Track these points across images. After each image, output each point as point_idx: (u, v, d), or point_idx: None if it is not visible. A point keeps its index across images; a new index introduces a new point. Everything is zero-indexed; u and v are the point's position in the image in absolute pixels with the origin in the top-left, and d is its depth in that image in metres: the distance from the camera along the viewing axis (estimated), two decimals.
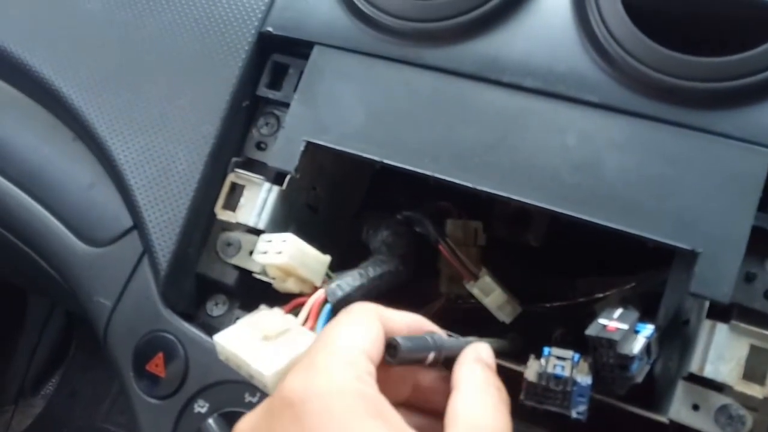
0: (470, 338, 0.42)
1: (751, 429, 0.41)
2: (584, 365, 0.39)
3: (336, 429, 0.29)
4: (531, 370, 0.39)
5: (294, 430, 0.30)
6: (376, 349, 0.34)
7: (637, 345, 0.39)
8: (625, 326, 0.40)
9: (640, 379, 0.40)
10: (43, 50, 0.57)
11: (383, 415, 0.30)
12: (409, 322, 0.37)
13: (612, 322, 0.40)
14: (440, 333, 0.38)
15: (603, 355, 0.39)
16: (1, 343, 1.07)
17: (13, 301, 1.06)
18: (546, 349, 0.40)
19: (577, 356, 0.39)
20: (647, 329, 0.40)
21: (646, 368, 0.40)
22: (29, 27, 0.58)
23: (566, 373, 0.38)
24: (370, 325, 0.34)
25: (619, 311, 0.42)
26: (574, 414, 0.37)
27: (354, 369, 0.31)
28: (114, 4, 0.56)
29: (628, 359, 0.38)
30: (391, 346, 0.37)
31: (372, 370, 0.32)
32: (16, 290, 1.02)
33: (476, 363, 0.36)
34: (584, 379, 0.38)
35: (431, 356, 0.37)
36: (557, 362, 0.39)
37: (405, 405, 0.37)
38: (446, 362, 0.37)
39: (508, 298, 0.53)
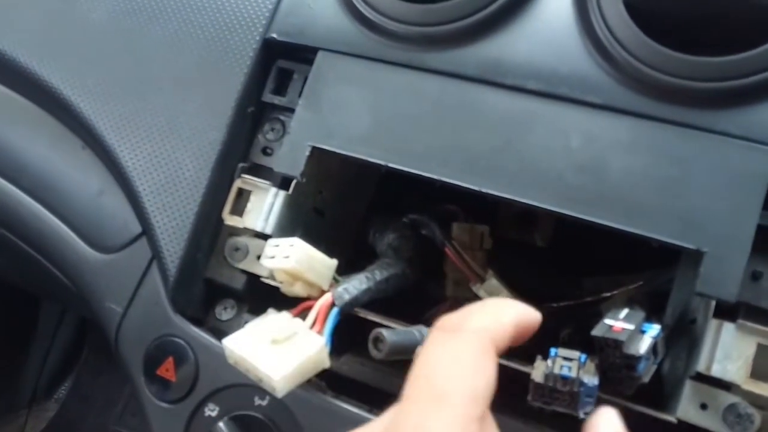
0: None
1: (760, 427, 0.41)
2: (591, 366, 0.39)
3: None
4: (538, 371, 0.39)
5: None
6: (491, 389, 0.29)
7: (644, 345, 0.39)
8: (631, 326, 0.40)
9: (646, 378, 0.40)
10: (52, 60, 0.57)
11: None
12: (518, 322, 0.32)
13: (618, 323, 0.40)
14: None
15: (609, 356, 0.39)
16: (15, 348, 1.08)
17: (26, 307, 1.07)
18: (553, 350, 0.40)
19: (583, 357, 0.39)
20: (653, 329, 0.40)
21: (653, 368, 0.40)
22: (38, 38, 0.58)
23: (573, 374, 0.38)
24: (487, 368, 0.29)
25: (625, 311, 0.42)
26: (581, 414, 0.37)
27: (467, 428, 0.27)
28: (120, 12, 0.57)
29: (635, 359, 0.38)
30: (377, 340, 0.37)
31: (481, 414, 0.28)
32: (28, 296, 1.03)
33: None
34: (591, 379, 0.38)
35: (418, 350, 0.38)
36: (564, 363, 0.39)
37: None
38: None
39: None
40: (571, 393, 0.37)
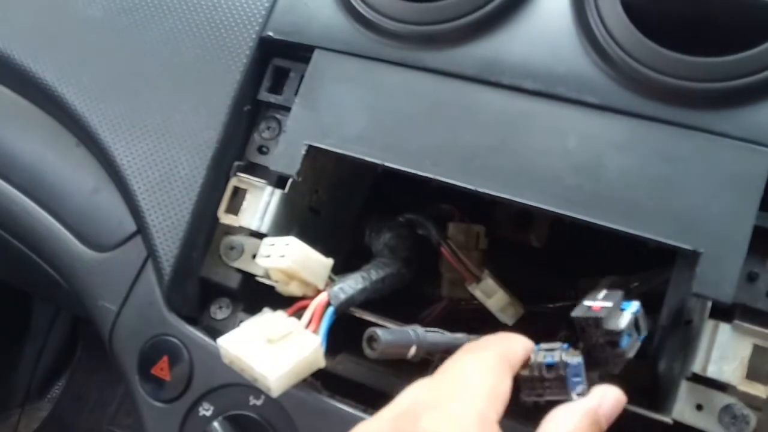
0: (459, 335, 0.42)
1: (755, 428, 0.41)
2: (574, 351, 0.39)
3: None
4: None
5: None
6: (503, 409, 0.33)
7: (624, 320, 0.39)
8: (609, 304, 0.40)
9: (631, 354, 0.40)
10: (46, 57, 0.57)
11: None
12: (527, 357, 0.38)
13: (597, 303, 0.40)
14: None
15: (592, 336, 0.39)
16: (7, 347, 1.07)
17: (19, 305, 1.07)
18: (536, 346, 0.40)
19: (566, 345, 0.39)
20: (633, 305, 0.40)
21: (637, 344, 0.40)
22: (32, 34, 0.58)
23: (556, 359, 0.38)
24: (506, 380, 0.34)
25: (603, 293, 0.42)
26: (574, 396, 0.37)
27: (482, 427, 0.31)
28: (116, 10, 0.57)
29: (617, 335, 0.38)
30: (372, 339, 0.37)
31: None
32: (21, 294, 1.02)
33: (581, 415, 0.35)
34: (573, 359, 0.38)
35: (413, 350, 0.39)
36: (546, 353, 0.39)
37: None
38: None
39: (510, 300, 0.53)
40: (557, 377, 0.37)
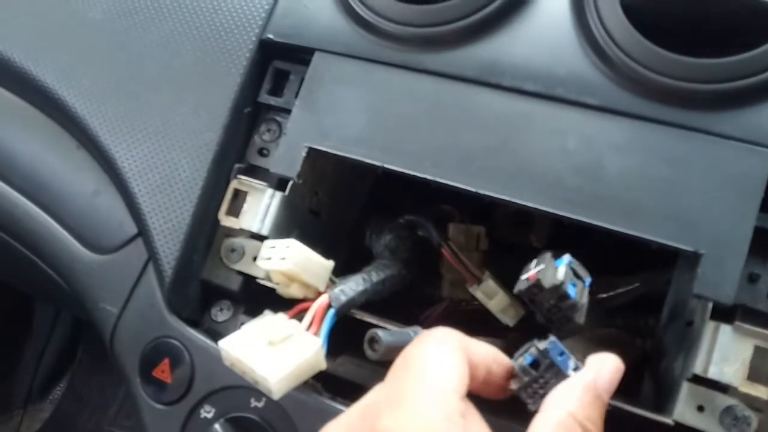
0: None
1: (757, 430, 0.41)
2: (546, 342, 0.37)
3: None
4: (513, 382, 0.38)
5: None
6: (465, 385, 0.33)
7: (560, 272, 0.39)
8: (542, 266, 0.40)
9: (585, 300, 0.40)
10: (47, 59, 0.57)
11: None
12: (488, 354, 0.36)
13: (531, 272, 0.41)
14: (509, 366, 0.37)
15: (542, 302, 0.39)
16: (9, 349, 1.07)
17: (20, 307, 1.07)
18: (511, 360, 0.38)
19: (537, 342, 0.38)
20: (564, 258, 0.41)
21: (586, 290, 0.41)
22: (33, 37, 0.58)
23: (533, 353, 0.37)
24: (458, 359, 0.33)
25: (533, 263, 0.42)
26: (571, 372, 0.36)
27: (445, 409, 0.31)
28: (116, 13, 0.57)
29: (559, 288, 0.39)
30: (373, 340, 0.37)
31: (462, 408, 0.32)
32: (22, 296, 1.02)
33: (580, 391, 0.34)
34: (546, 342, 0.37)
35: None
36: (522, 356, 0.37)
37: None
38: None
39: (511, 301, 0.53)
40: (548, 367, 0.36)
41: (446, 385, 0.32)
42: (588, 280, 0.41)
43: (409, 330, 0.41)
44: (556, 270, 0.40)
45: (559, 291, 0.39)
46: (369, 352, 0.37)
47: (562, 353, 0.36)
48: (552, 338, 0.37)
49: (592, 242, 0.48)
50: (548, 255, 0.42)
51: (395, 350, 0.38)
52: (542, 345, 0.37)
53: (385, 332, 0.38)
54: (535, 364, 0.36)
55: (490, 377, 0.36)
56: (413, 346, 0.34)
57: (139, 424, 0.51)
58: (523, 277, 0.41)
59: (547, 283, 0.39)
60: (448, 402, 0.31)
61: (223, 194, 0.52)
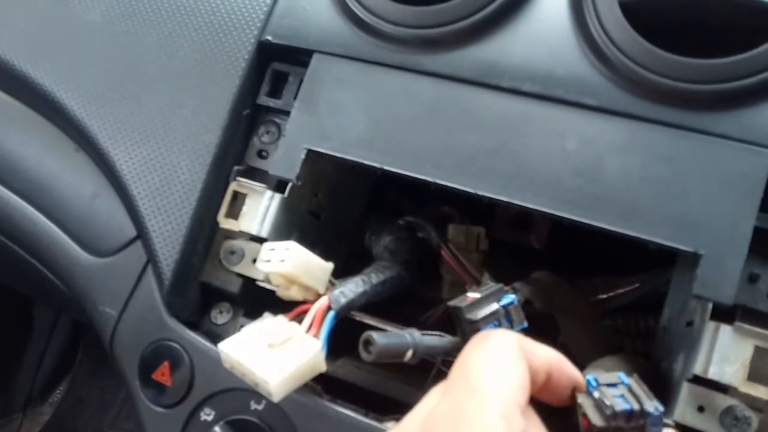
0: (455, 338, 0.42)
1: (757, 430, 0.41)
2: (637, 384, 0.35)
3: None
4: (590, 409, 0.34)
5: None
6: (526, 396, 0.31)
7: (483, 311, 0.39)
8: (478, 295, 0.40)
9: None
10: (45, 62, 0.57)
11: None
12: (550, 359, 0.34)
13: (474, 294, 0.40)
14: (580, 380, 0.35)
15: (462, 323, 0.40)
16: (9, 351, 1.07)
17: (20, 309, 1.07)
18: (591, 379, 0.35)
19: (622, 375, 0.35)
20: (507, 298, 0.41)
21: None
22: (31, 40, 0.58)
23: (634, 404, 0.33)
24: (518, 367, 0.32)
25: (488, 285, 0.41)
26: None
27: (507, 425, 0.29)
28: (115, 15, 0.57)
29: (475, 323, 0.39)
30: (368, 343, 0.37)
31: (523, 425, 0.30)
32: (22, 298, 1.02)
33: None
34: (656, 406, 0.34)
35: (409, 353, 0.38)
36: (611, 391, 0.34)
37: None
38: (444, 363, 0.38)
39: None
40: (636, 427, 0.34)
41: (507, 401, 0.30)
42: (520, 326, 0.40)
43: (405, 332, 0.41)
44: (487, 306, 0.40)
45: (473, 326, 0.39)
46: (364, 354, 0.37)
47: (656, 426, 0.34)
48: (661, 408, 0.34)
49: (591, 243, 0.48)
50: (501, 286, 0.41)
51: (390, 352, 0.38)
52: (651, 407, 0.34)
53: (380, 334, 0.38)
54: (629, 415, 0.34)
55: (551, 383, 0.34)
56: (470, 353, 0.33)
57: (139, 427, 0.51)
58: (468, 293, 0.41)
59: (467, 315, 0.39)
60: (509, 419, 0.30)
61: (223, 196, 0.52)
